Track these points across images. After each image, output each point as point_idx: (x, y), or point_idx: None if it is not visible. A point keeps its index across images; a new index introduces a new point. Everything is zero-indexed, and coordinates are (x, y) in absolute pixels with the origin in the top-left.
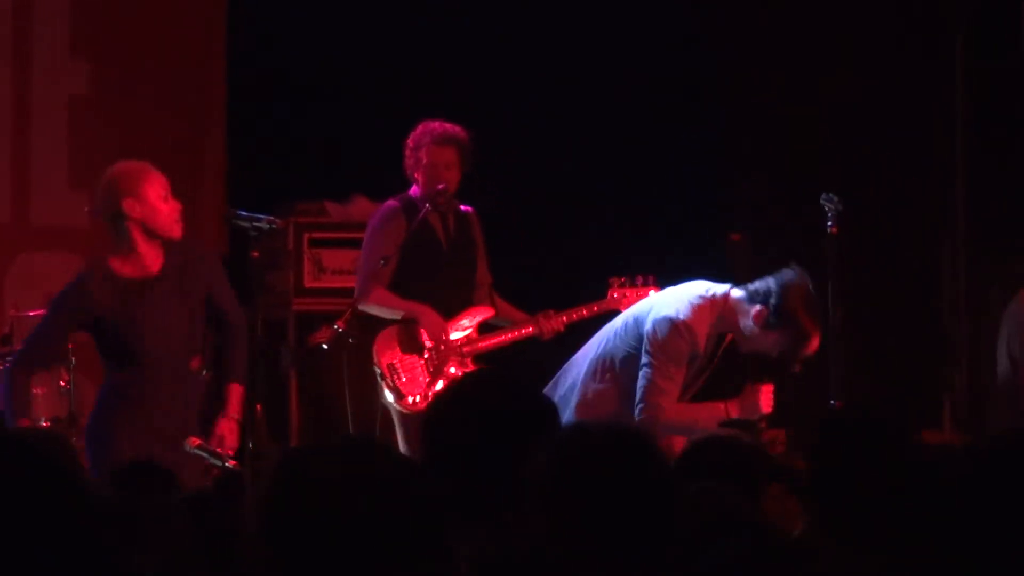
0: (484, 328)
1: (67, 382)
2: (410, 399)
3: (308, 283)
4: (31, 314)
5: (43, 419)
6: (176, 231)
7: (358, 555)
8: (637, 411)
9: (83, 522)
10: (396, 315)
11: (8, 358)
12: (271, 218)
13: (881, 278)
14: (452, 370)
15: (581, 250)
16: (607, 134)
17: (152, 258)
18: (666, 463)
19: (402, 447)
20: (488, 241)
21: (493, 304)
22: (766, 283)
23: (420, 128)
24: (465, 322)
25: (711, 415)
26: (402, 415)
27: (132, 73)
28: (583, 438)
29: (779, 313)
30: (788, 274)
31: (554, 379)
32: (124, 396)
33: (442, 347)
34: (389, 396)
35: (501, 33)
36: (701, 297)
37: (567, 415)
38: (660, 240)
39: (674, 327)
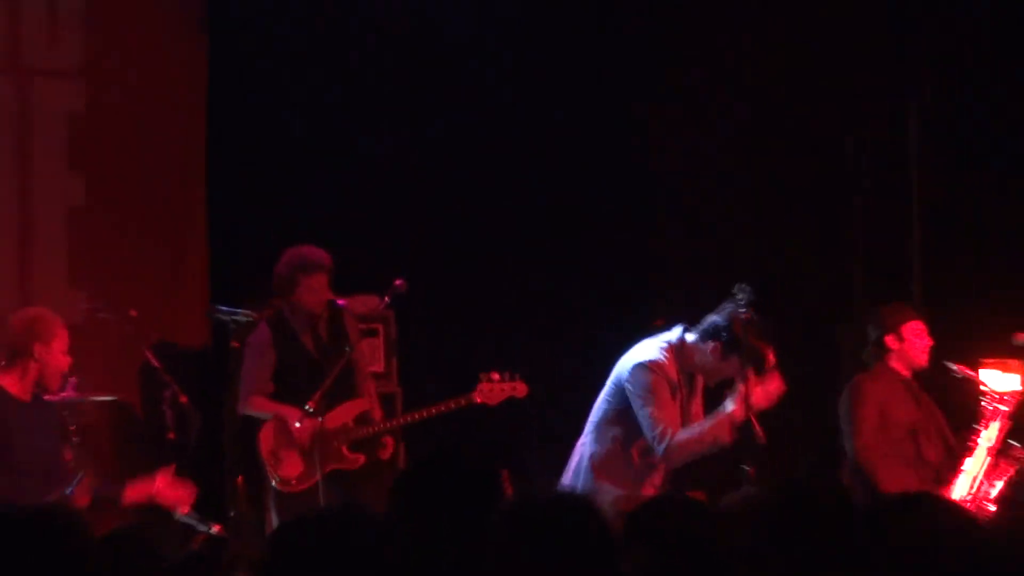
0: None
1: (70, 459)
2: (292, 482)
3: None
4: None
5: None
6: (55, 385)
7: None
8: (655, 449)
9: None
10: (270, 416)
11: None
12: (248, 312)
13: (787, 359)
14: (326, 458)
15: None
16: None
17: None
18: (607, 529)
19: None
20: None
21: (371, 395)
22: (713, 320)
23: (288, 256)
24: (340, 413)
25: (716, 424)
26: (280, 495)
27: (122, 184)
28: (530, 508)
29: (731, 343)
30: (728, 307)
31: (566, 467)
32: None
33: (311, 440)
34: (272, 480)
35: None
36: (661, 344)
37: (585, 483)
38: (574, 321)
39: (647, 368)
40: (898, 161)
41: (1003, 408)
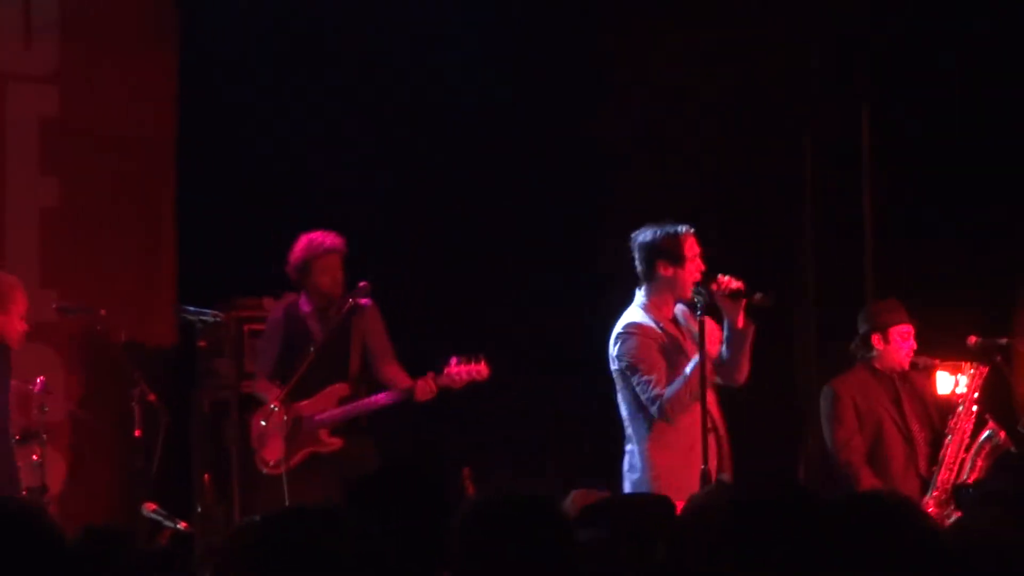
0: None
1: (39, 455)
2: (271, 463)
3: (248, 368)
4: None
5: (20, 489)
6: (16, 345)
7: None
8: (652, 411)
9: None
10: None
11: None
12: (215, 312)
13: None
14: (304, 441)
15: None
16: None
17: None
18: (567, 527)
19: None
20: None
21: (354, 386)
22: (637, 265)
23: (303, 240)
24: (321, 399)
25: (694, 370)
26: (264, 478)
27: (94, 187)
28: (491, 507)
29: (662, 250)
30: (635, 236)
31: (623, 478)
32: None
33: (292, 423)
34: (258, 463)
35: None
36: (631, 309)
37: (644, 473)
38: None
39: (623, 335)
40: (851, 162)
41: (963, 406)
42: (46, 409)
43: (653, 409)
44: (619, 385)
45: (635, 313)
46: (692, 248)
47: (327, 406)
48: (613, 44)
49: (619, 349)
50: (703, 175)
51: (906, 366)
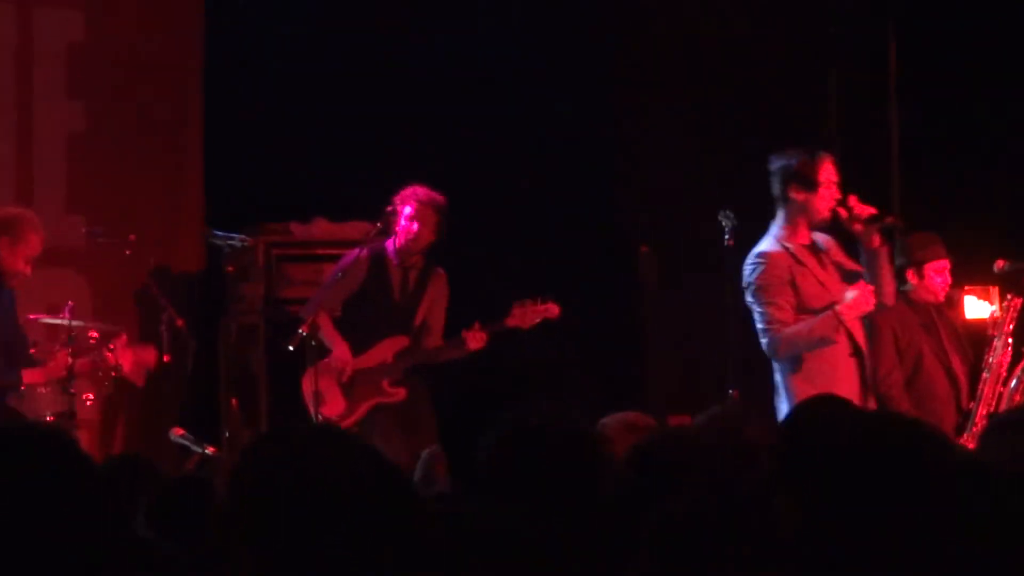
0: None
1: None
2: (335, 418)
3: (276, 294)
4: (31, 317)
5: (47, 414)
6: (11, 282)
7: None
8: (761, 343)
9: (96, 504)
10: (321, 339)
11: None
12: (243, 237)
13: None
14: (366, 393)
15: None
16: (513, 165)
17: None
18: (598, 453)
19: None
20: None
21: (424, 340)
22: (773, 188)
23: (408, 191)
24: (379, 351)
25: (823, 321)
26: None
27: (121, 112)
28: (517, 435)
29: (798, 175)
30: (771, 167)
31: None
32: None
33: (354, 376)
34: (317, 419)
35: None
36: (767, 236)
37: (790, 403)
38: (567, 256)
39: (751, 263)
40: (879, 93)
41: (999, 340)
42: (74, 335)
43: (764, 342)
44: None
45: (766, 242)
46: (828, 174)
47: (385, 358)
48: None
49: (747, 277)
50: (729, 113)
51: (940, 300)
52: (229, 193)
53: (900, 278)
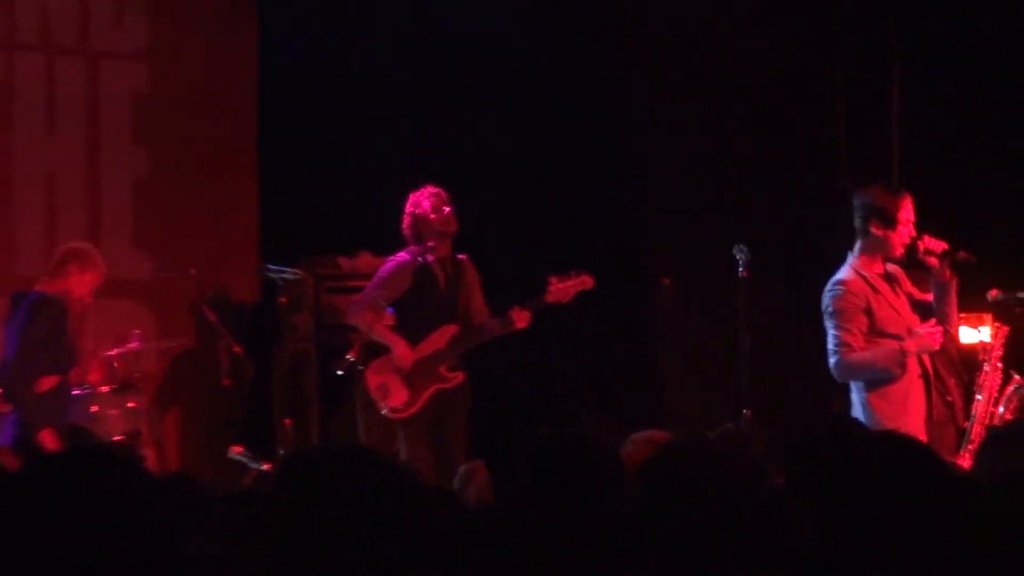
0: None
1: (135, 403)
2: (400, 407)
3: (325, 322)
4: (107, 352)
5: (116, 434)
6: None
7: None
8: (830, 363)
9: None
10: (377, 338)
11: (87, 388)
12: (295, 270)
13: (783, 312)
14: (426, 381)
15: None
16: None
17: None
18: (620, 466)
19: (403, 451)
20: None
21: (472, 321)
22: (855, 220)
23: (412, 199)
24: (433, 341)
25: (887, 354)
26: (398, 422)
27: (182, 156)
28: (549, 444)
29: (880, 212)
30: (855, 201)
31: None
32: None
33: (414, 367)
34: (383, 410)
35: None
36: (846, 265)
37: (868, 420)
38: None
39: (830, 291)
40: (881, 118)
41: (989, 363)
42: (140, 361)
43: (831, 361)
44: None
45: (844, 271)
46: (907, 212)
47: (439, 345)
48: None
49: (825, 303)
50: (740, 121)
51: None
52: (281, 231)
53: None
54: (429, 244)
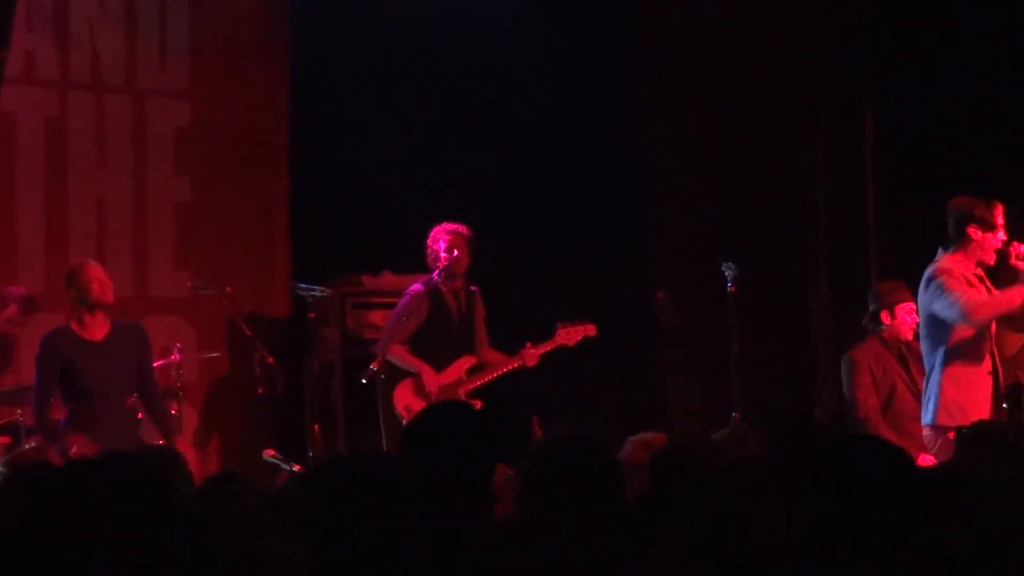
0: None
1: (177, 410)
2: None
3: (351, 335)
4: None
5: (159, 439)
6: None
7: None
8: (953, 313)
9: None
10: (405, 367)
11: None
12: (323, 288)
13: (768, 323)
14: None
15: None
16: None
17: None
18: (617, 467)
19: None
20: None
21: (479, 356)
22: (954, 222)
23: (436, 230)
24: (455, 369)
25: (1012, 290)
26: None
27: (220, 184)
28: (552, 450)
29: (979, 219)
30: (952, 207)
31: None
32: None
33: (438, 392)
34: None
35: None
36: (935, 264)
37: (934, 401)
38: (591, 294)
39: (936, 275)
40: (856, 162)
41: None
42: (182, 371)
43: (956, 309)
44: (924, 328)
45: (942, 261)
46: (1000, 219)
47: (459, 375)
48: (642, 61)
49: (931, 287)
50: (727, 168)
51: (910, 338)
52: (311, 252)
53: (875, 320)
54: (434, 278)
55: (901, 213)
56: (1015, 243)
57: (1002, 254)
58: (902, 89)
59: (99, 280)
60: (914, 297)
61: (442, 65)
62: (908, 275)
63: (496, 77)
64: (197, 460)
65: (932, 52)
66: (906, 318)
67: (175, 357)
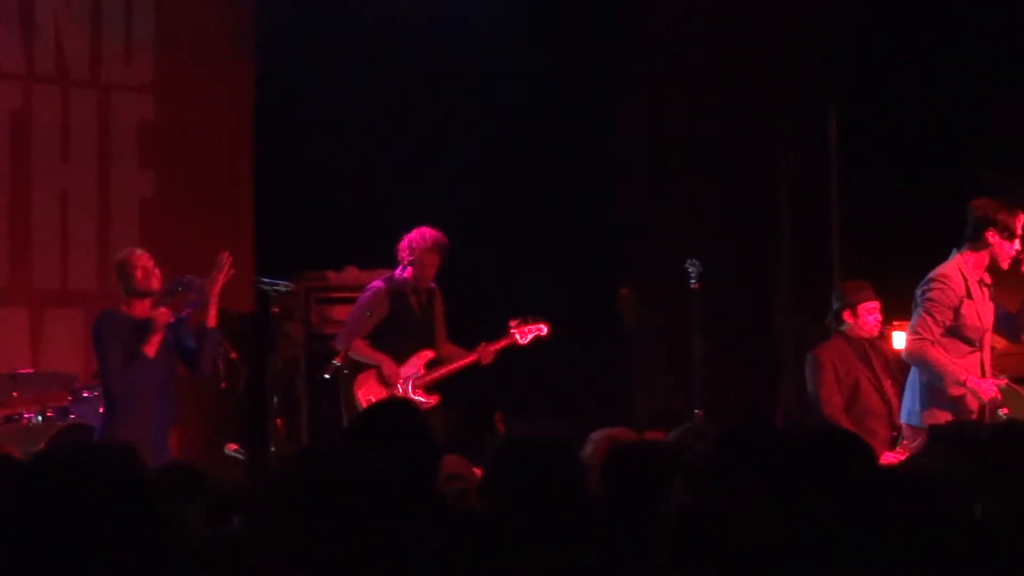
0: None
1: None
2: None
3: (314, 330)
4: None
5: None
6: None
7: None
8: (906, 339)
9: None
10: (367, 361)
11: (95, 390)
12: (287, 283)
13: (731, 320)
14: (415, 398)
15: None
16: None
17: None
18: (579, 464)
19: None
20: None
21: (438, 349)
22: (972, 223)
23: (417, 233)
24: (413, 364)
25: (954, 371)
26: None
27: (184, 179)
28: (514, 445)
29: (997, 223)
30: (975, 208)
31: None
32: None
33: (401, 384)
34: None
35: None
36: (946, 263)
37: (916, 401)
38: (557, 292)
39: (931, 280)
40: (821, 157)
41: None
42: None
43: (909, 340)
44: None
45: (949, 266)
46: (1020, 227)
47: (418, 369)
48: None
49: (923, 288)
50: (692, 167)
51: (875, 335)
52: (275, 246)
53: (838, 319)
54: (396, 276)
55: (864, 213)
56: None
57: (1016, 260)
58: (866, 90)
59: (143, 268)
60: (878, 296)
61: (409, 62)
62: (871, 274)
63: (464, 75)
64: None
65: (896, 54)
66: (868, 317)
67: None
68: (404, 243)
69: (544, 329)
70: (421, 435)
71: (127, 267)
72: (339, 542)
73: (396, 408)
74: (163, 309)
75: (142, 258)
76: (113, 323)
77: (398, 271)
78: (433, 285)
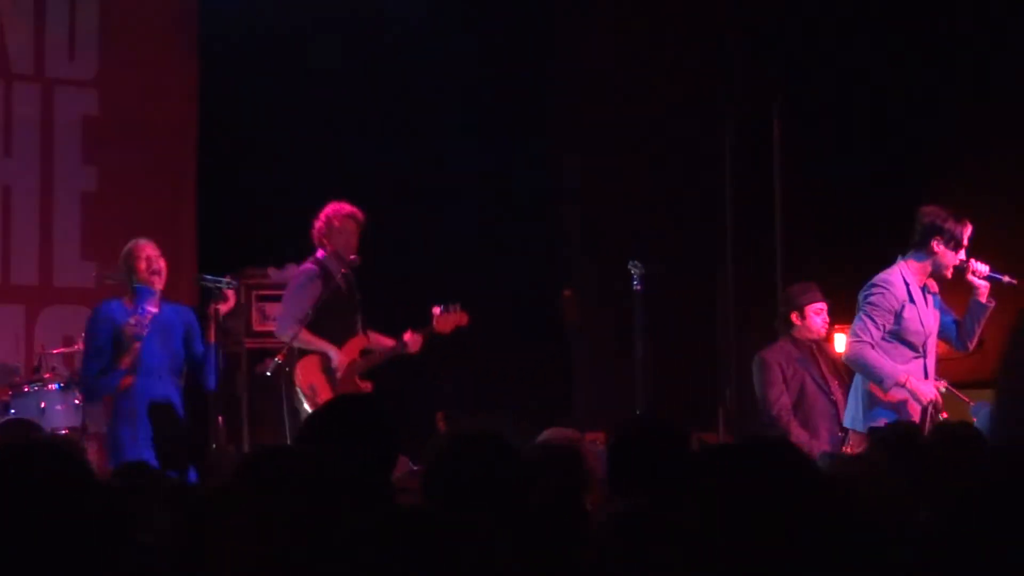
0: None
1: (80, 399)
2: None
3: (255, 327)
4: (54, 352)
5: (62, 429)
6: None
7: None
8: (847, 342)
9: (93, 509)
10: (309, 347)
11: (36, 385)
12: (228, 279)
13: (673, 321)
14: (346, 386)
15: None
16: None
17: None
18: (517, 461)
19: None
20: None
21: (366, 335)
22: (922, 231)
23: (330, 207)
24: (349, 350)
25: (894, 374)
26: None
27: (128, 174)
28: (454, 446)
29: (943, 231)
30: (923, 215)
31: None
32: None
33: (344, 370)
34: (309, 408)
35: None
36: (890, 269)
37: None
38: (500, 291)
39: (874, 285)
40: (763, 162)
41: None
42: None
43: (849, 343)
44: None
45: (891, 271)
46: (967, 238)
47: (353, 355)
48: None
49: (865, 293)
50: (635, 168)
51: (823, 335)
52: (217, 243)
53: (786, 322)
54: (321, 256)
55: (807, 214)
56: (972, 260)
57: (959, 269)
58: (809, 92)
59: (147, 259)
60: (825, 297)
61: (349, 61)
62: (815, 275)
63: (402, 75)
64: (102, 453)
65: (839, 55)
66: (816, 318)
67: (79, 347)
68: (320, 220)
69: (464, 319)
70: (384, 430)
71: (131, 258)
72: (297, 540)
73: (357, 403)
74: (138, 318)
75: (147, 248)
76: (95, 321)
77: (320, 252)
78: (355, 258)
